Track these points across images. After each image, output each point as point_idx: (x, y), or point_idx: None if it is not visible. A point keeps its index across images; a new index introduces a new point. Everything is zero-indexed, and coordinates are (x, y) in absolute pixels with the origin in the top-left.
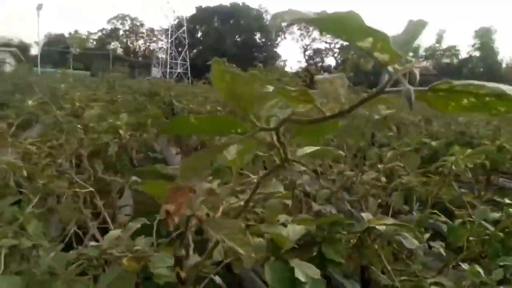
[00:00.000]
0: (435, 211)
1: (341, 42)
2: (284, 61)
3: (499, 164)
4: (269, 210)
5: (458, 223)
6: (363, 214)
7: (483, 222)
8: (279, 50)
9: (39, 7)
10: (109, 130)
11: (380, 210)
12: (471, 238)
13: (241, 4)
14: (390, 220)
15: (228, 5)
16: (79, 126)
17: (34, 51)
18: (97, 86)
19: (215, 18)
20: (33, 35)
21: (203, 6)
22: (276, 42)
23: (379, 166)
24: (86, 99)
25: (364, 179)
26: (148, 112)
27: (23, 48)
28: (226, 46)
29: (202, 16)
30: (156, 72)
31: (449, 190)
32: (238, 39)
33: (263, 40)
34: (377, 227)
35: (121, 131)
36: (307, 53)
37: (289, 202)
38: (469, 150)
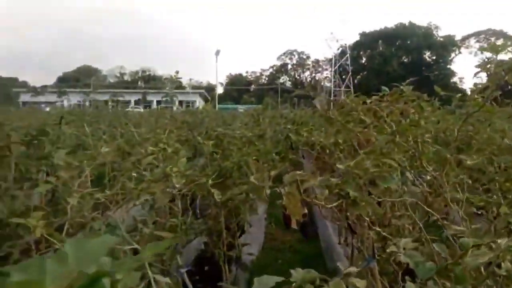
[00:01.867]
0: None
1: None
2: (461, 78)
3: None
4: None
5: None
6: None
7: None
8: (453, 66)
9: (217, 52)
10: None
11: None
12: None
13: (407, 24)
14: None
15: (393, 26)
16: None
17: (220, 90)
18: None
19: (379, 41)
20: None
21: (367, 31)
22: (450, 58)
23: None
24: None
25: None
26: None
27: (209, 88)
28: (391, 68)
29: (366, 41)
30: (320, 100)
31: None
32: (405, 60)
33: (434, 58)
34: None
35: None
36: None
37: None
38: None
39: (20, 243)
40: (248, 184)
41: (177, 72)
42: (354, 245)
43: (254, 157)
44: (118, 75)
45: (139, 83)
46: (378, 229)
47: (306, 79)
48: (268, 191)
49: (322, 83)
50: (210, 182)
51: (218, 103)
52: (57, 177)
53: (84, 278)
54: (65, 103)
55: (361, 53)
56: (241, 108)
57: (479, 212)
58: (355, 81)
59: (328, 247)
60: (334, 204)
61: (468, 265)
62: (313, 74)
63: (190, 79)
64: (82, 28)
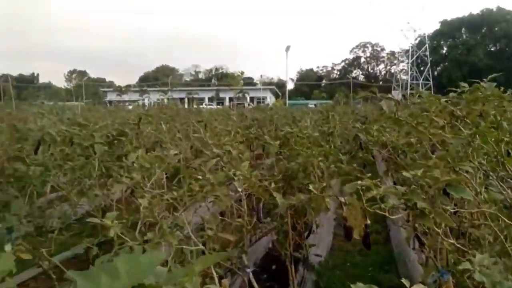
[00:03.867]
0: None
1: None
2: None
3: None
4: None
5: None
6: None
7: None
8: None
9: (287, 48)
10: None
11: None
12: None
13: (494, 9)
14: None
15: (479, 12)
16: None
17: (290, 86)
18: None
19: (462, 30)
20: (284, 72)
21: (448, 19)
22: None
23: None
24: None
25: None
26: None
27: (280, 84)
28: (476, 58)
29: (447, 30)
30: (396, 94)
31: None
32: (492, 49)
33: None
34: None
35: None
36: None
37: None
38: None
39: (107, 235)
40: (308, 192)
41: (242, 73)
42: (426, 254)
43: (320, 158)
44: (193, 73)
45: (213, 80)
46: (451, 241)
47: (380, 72)
48: (328, 200)
49: (397, 76)
50: (272, 185)
51: (288, 99)
52: (131, 178)
53: None
54: (146, 101)
55: (442, 42)
56: (311, 103)
57: None
58: (435, 73)
59: (401, 252)
60: (400, 216)
61: None
62: (388, 67)
63: (261, 76)
64: (161, 30)
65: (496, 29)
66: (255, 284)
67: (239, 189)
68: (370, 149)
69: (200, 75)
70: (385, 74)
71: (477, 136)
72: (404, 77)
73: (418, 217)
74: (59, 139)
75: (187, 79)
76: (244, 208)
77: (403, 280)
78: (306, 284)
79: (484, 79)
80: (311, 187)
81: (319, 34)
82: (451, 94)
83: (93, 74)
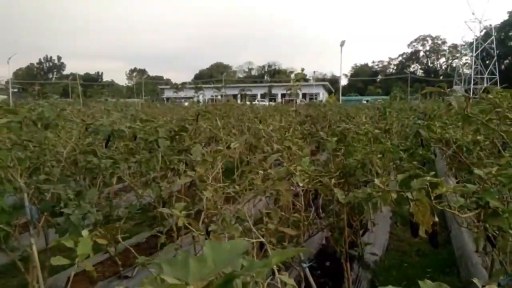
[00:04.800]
0: None
1: None
2: None
3: None
4: None
5: None
6: None
7: None
8: None
9: (342, 43)
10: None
11: None
12: None
13: None
14: None
15: None
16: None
17: (344, 82)
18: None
19: None
20: (338, 68)
21: None
22: None
23: None
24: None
25: None
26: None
27: (333, 80)
28: None
29: None
30: (458, 89)
31: None
32: None
33: None
34: None
35: None
36: None
37: None
38: None
39: (166, 225)
40: (373, 186)
41: (302, 70)
42: (495, 257)
43: (379, 155)
44: (247, 70)
45: (265, 77)
46: None
47: (440, 66)
48: (394, 195)
49: (459, 71)
50: (333, 182)
51: (342, 95)
52: (195, 171)
53: (220, 278)
54: (201, 98)
55: (510, 34)
56: (365, 99)
57: None
58: (502, 66)
59: (463, 255)
60: (470, 214)
61: None
62: (450, 61)
63: (314, 72)
64: (216, 28)
65: None
66: (311, 279)
67: (300, 184)
68: (431, 147)
69: (253, 72)
70: (446, 69)
71: None
72: (467, 71)
73: (490, 217)
74: (127, 135)
75: (240, 75)
76: (301, 204)
77: (475, 280)
78: (361, 283)
79: None
80: (376, 181)
81: (375, 27)
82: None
83: (151, 72)
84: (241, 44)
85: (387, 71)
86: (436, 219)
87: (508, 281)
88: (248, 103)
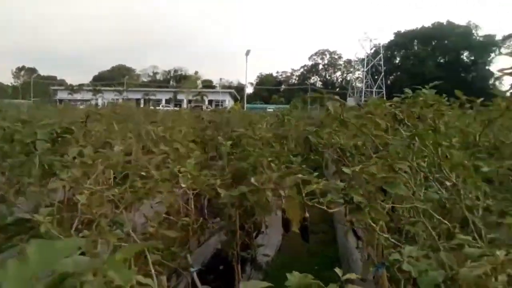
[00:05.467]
0: None
1: None
2: (499, 78)
3: None
4: None
5: None
6: None
7: None
8: (493, 68)
9: (247, 52)
10: None
11: None
12: None
13: (445, 23)
14: None
15: (430, 25)
16: None
17: (249, 90)
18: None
19: (414, 41)
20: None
21: (402, 30)
22: (489, 59)
23: None
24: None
25: None
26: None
27: (239, 88)
28: (426, 69)
29: (401, 41)
30: (351, 101)
31: None
32: (442, 61)
33: (472, 58)
34: None
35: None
36: None
37: None
38: None
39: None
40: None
41: (196, 72)
42: (365, 251)
43: (270, 159)
44: (151, 74)
45: (171, 82)
46: (386, 235)
47: (337, 79)
48: (270, 194)
49: (353, 84)
50: (218, 182)
51: (247, 103)
52: (71, 174)
53: (48, 279)
54: (100, 101)
55: (395, 53)
56: (270, 108)
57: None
58: (388, 81)
59: (345, 252)
60: (336, 209)
61: (464, 276)
62: (345, 75)
63: (221, 79)
64: (118, 29)
65: (446, 42)
66: (198, 284)
67: (183, 185)
68: (320, 152)
69: (158, 76)
70: (341, 81)
71: (416, 138)
72: (359, 84)
73: (354, 211)
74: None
75: (145, 79)
76: (191, 207)
77: (337, 270)
78: None
79: (455, 91)
80: (252, 179)
81: (279, 39)
82: (395, 98)
83: (43, 72)
84: (146, 48)
85: (290, 81)
86: (307, 214)
87: (376, 271)
88: (151, 107)
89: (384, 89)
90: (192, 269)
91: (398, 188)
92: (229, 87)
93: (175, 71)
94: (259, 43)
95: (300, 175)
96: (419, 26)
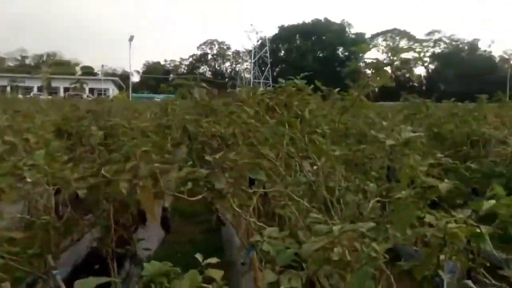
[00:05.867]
0: None
1: (432, 50)
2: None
3: None
4: None
5: None
6: None
7: None
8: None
9: (131, 38)
10: None
11: None
12: None
13: (323, 20)
14: None
15: (310, 21)
16: None
17: (136, 78)
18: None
19: (296, 36)
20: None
21: (286, 25)
22: (360, 55)
23: None
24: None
25: None
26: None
27: (125, 76)
28: (307, 63)
29: (284, 35)
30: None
31: None
32: (320, 55)
33: (346, 54)
34: None
35: None
36: (394, 64)
37: None
38: None
39: None
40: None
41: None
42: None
43: (144, 149)
44: (19, 58)
45: (44, 68)
46: (252, 219)
47: (226, 70)
48: (126, 185)
49: (241, 75)
50: (75, 176)
51: (134, 92)
52: None
53: None
54: None
55: (280, 46)
56: (158, 97)
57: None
58: (274, 73)
59: (228, 239)
60: (199, 197)
61: (305, 250)
62: (234, 65)
63: (103, 66)
64: None
65: (324, 38)
66: (62, 286)
67: (29, 180)
68: (201, 141)
69: (28, 61)
70: (231, 72)
71: (286, 125)
72: (247, 75)
73: (217, 198)
74: None
75: (11, 64)
76: (51, 204)
77: (197, 256)
78: (131, 279)
79: (315, 82)
80: (103, 170)
81: (167, 27)
82: (268, 88)
83: None
84: (15, 30)
85: (179, 70)
86: (166, 204)
87: (247, 254)
88: (20, 96)
89: (271, 80)
90: (55, 272)
91: (259, 174)
92: (113, 75)
93: (49, 55)
94: (145, 29)
95: (157, 164)
96: (300, 22)
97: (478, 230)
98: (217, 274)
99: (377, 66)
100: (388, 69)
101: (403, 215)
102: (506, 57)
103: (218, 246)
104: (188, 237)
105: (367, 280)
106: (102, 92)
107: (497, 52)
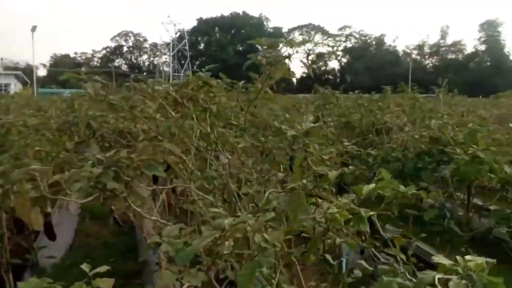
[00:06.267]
0: None
1: (344, 44)
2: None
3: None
4: None
5: None
6: None
7: None
8: None
9: (33, 28)
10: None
11: None
12: None
13: (241, 13)
14: None
15: (229, 14)
16: None
17: (43, 72)
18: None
19: (216, 29)
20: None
21: (204, 17)
22: (279, 49)
23: None
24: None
25: None
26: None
27: (29, 70)
28: (227, 56)
29: (203, 27)
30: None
31: None
32: (240, 48)
33: (265, 48)
34: None
35: None
36: (310, 57)
37: None
38: None
39: None
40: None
41: None
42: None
43: (37, 148)
44: None
45: None
46: (154, 218)
47: (143, 63)
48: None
49: (160, 68)
50: None
51: (41, 87)
52: None
53: None
54: None
55: (199, 39)
56: (67, 92)
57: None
58: (195, 67)
59: (141, 239)
60: (90, 198)
61: (196, 247)
62: (151, 58)
63: (2, 59)
64: None
65: (243, 31)
66: None
67: None
68: (107, 137)
69: None
70: (149, 65)
71: (195, 119)
72: (166, 69)
73: (110, 198)
74: None
75: None
76: None
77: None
78: None
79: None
80: None
81: (75, 18)
82: (178, 82)
83: None
84: None
85: (92, 63)
86: (49, 210)
87: (153, 254)
88: None
89: (191, 73)
90: None
91: (156, 170)
92: (16, 68)
93: None
94: (50, 20)
95: (36, 167)
96: (219, 15)
97: (358, 213)
98: (106, 283)
99: (276, 59)
100: (306, 62)
101: (295, 204)
102: (408, 51)
103: (133, 247)
104: (100, 240)
105: (257, 271)
106: (2, 88)
107: (400, 47)
